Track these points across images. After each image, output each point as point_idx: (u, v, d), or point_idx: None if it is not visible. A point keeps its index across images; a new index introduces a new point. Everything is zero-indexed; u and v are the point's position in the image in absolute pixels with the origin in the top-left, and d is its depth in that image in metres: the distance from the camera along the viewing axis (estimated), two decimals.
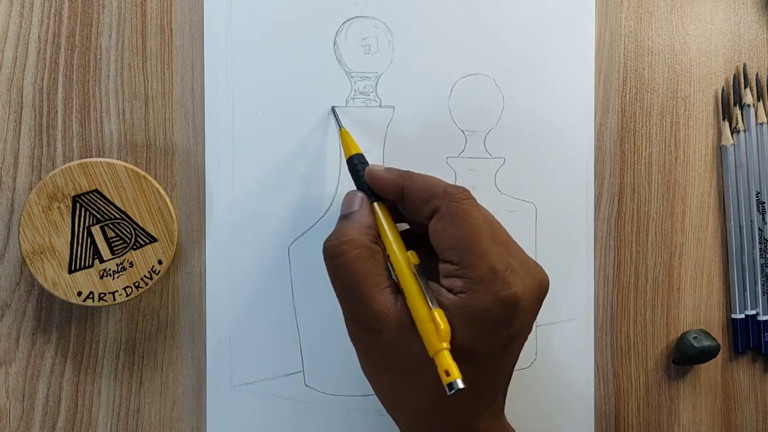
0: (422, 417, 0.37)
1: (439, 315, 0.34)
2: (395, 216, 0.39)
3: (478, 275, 0.34)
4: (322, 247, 0.37)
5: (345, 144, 0.41)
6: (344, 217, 0.38)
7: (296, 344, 0.43)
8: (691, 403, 0.49)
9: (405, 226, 0.41)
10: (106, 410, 0.42)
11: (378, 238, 0.37)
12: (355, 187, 0.40)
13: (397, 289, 0.36)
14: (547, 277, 0.37)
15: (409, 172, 0.38)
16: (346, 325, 0.38)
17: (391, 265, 0.37)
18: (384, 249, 0.37)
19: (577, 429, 0.46)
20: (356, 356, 0.38)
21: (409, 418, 0.37)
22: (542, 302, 0.37)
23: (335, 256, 0.36)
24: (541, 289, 0.37)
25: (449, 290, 0.35)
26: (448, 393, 0.32)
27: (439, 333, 0.33)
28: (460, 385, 0.32)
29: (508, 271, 0.35)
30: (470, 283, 0.34)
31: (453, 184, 0.37)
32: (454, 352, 0.33)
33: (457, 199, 0.36)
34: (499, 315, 0.34)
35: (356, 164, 0.40)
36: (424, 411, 0.36)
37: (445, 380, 0.33)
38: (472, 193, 0.37)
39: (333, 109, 0.43)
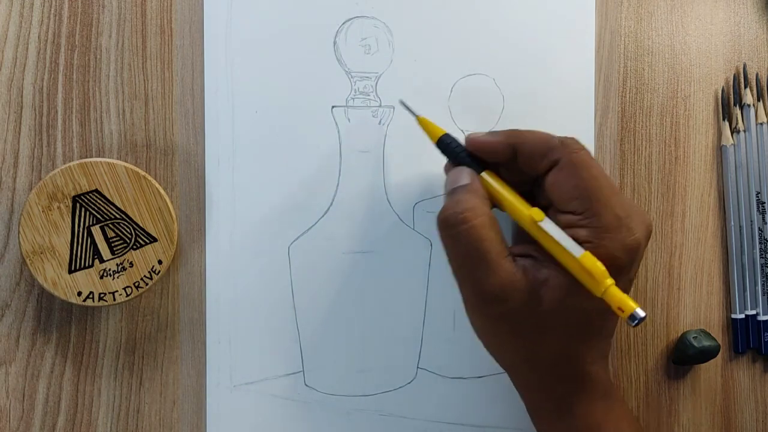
0: (549, 371, 0.38)
1: (590, 256, 0.35)
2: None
3: (604, 224, 0.35)
4: (437, 219, 0.37)
5: (427, 129, 0.40)
6: (456, 190, 0.38)
7: (296, 344, 0.43)
8: (691, 403, 0.49)
9: None
10: (106, 410, 0.42)
11: (492, 208, 0.38)
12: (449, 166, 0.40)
13: (516, 256, 0.37)
14: (651, 221, 0.38)
15: (515, 129, 0.39)
16: (469, 301, 0.37)
17: (521, 227, 0.37)
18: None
19: None
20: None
21: (535, 374, 0.38)
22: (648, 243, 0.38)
23: (458, 223, 0.36)
24: (649, 232, 0.38)
25: (575, 241, 0.36)
26: (632, 325, 0.34)
27: (597, 273, 0.34)
28: (641, 313, 0.34)
29: (629, 218, 0.36)
30: (596, 232, 0.35)
31: (564, 136, 0.38)
32: None
33: (576, 150, 0.37)
34: (624, 261, 0.36)
35: (449, 143, 0.40)
36: (551, 365, 0.37)
37: (623, 315, 0.34)
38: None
39: (402, 102, 0.42)
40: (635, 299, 0.47)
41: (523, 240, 0.38)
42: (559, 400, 0.38)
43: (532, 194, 0.39)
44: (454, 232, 0.36)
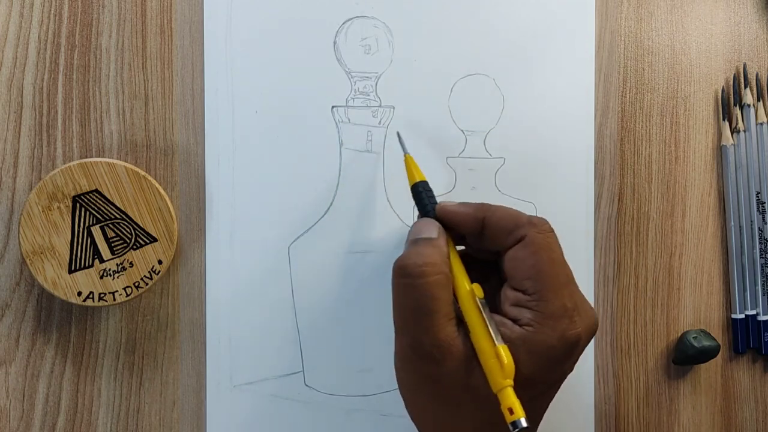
0: None
1: (504, 351, 0.34)
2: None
3: (550, 311, 0.35)
4: (394, 265, 0.36)
5: (409, 170, 0.41)
6: (419, 241, 0.37)
7: (296, 344, 0.43)
8: (691, 403, 0.49)
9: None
10: (106, 410, 0.42)
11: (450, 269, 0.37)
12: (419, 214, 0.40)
13: (460, 321, 0.36)
14: (598, 320, 0.38)
15: (484, 204, 0.38)
16: (401, 353, 0.37)
17: (456, 297, 0.36)
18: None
19: (577, 429, 0.46)
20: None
21: None
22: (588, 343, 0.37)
23: (416, 276, 0.35)
24: (593, 331, 0.37)
25: (515, 321, 0.35)
26: (512, 431, 0.33)
27: (503, 369, 0.34)
28: (524, 423, 0.33)
29: (575, 311, 0.35)
30: (540, 317, 0.35)
31: (533, 215, 0.38)
32: (517, 383, 0.34)
33: (542, 231, 0.36)
34: (561, 353, 0.35)
35: (421, 192, 0.40)
36: None
37: (509, 418, 0.33)
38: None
39: (398, 134, 0.43)
40: (635, 300, 0.48)
41: None
42: None
43: (494, 265, 0.39)
44: (409, 282, 0.36)
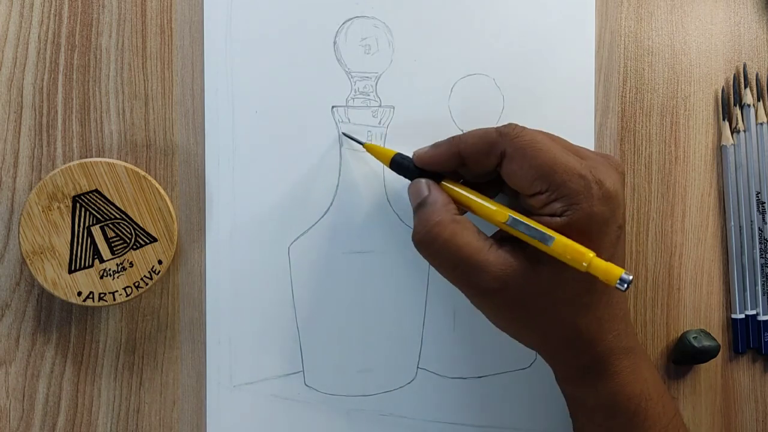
0: (567, 345, 0.38)
1: (561, 241, 0.35)
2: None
3: (572, 189, 0.36)
4: (412, 241, 0.38)
5: (377, 153, 0.41)
6: (419, 206, 0.38)
7: (296, 344, 0.43)
8: (691, 403, 0.49)
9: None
10: (106, 410, 0.42)
11: (459, 210, 0.38)
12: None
13: (499, 241, 0.37)
14: (620, 161, 0.39)
15: (454, 136, 0.39)
16: (480, 303, 0.38)
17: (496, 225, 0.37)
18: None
19: None
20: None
21: (554, 350, 0.39)
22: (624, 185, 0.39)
23: (431, 242, 0.37)
24: (621, 175, 0.38)
25: (552, 215, 0.36)
26: (622, 290, 0.34)
27: (575, 252, 0.35)
28: (629, 277, 0.34)
29: (594, 172, 0.36)
30: (569, 199, 0.36)
31: (501, 125, 0.38)
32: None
33: (516, 135, 0.37)
34: (606, 213, 0.36)
35: (400, 162, 0.40)
36: (566, 339, 0.38)
37: (612, 281, 0.34)
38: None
39: (345, 134, 0.43)
40: (635, 300, 0.48)
41: None
42: (583, 370, 0.38)
43: (498, 188, 0.40)
44: (432, 251, 0.37)
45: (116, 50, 0.41)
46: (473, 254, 0.36)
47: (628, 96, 0.47)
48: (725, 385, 0.49)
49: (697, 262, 0.48)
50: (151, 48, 0.42)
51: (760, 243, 0.48)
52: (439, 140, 0.40)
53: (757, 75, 0.49)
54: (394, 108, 0.44)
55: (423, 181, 0.39)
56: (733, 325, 0.49)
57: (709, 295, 0.49)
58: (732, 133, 0.49)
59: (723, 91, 0.48)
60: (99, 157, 0.41)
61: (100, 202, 0.39)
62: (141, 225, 0.39)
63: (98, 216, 0.39)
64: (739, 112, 0.49)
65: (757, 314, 0.49)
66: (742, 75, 0.49)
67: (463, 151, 0.38)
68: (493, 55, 0.45)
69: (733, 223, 0.48)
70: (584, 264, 0.35)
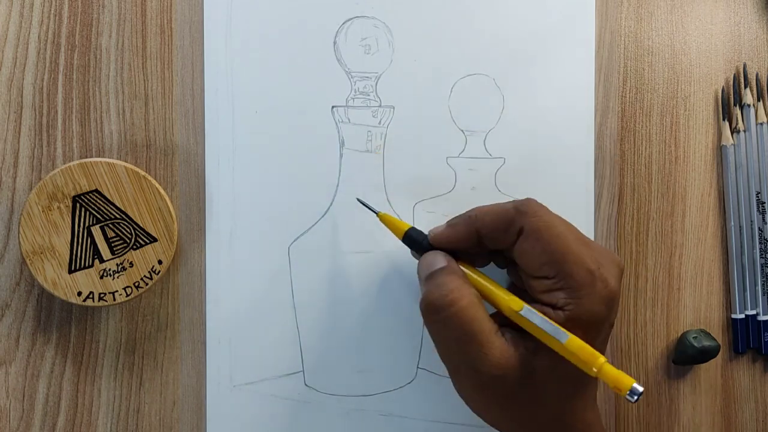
0: (547, 429, 0.37)
1: (575, 341, 0.35)
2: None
3: (578, 282, 0.35)
4: (420, 305, 0.37)
5: (391, 226, 0.41)
6: (434, 274, 0.37)
7: (296, 344, 0.43)
8: (691, 403, 0.49)
9: None
10: (106, 410, 0.42)
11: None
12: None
13: (504, 326, 0.36)
14: (620, 259, 0.38)
15: (469, 215, 0.38)
16: (465, 387, 0.37)
17: (502, 312, 0.37)
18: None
19: None
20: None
21: None
22: None
23: (446, 306, 0.35)
24: (621, 272, 0.38)
25: (554, 306, 0.36)
26: (632, 401, 0.34)
27: (588, 354, 0.34)
28: (640, 388, 0.34)
29: (601, 269, 0.36)
30: (572, 292, 0.35)
31: (518, 200, 0.38)
32: None
33: (534, 215, 0.36)
34: (604, 312, 0.36)
35: (414, 237, 0.40)
36: (548, 424, 0.37)
37: (624, 391, 0.34)
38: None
39: (359, 200, 0.42)
40: (635, 300, 0.48)
41: None
42: None
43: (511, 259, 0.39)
44: (443, 317, 0.36)
45: (116, 50, 0.41)
46: (483, 332, 0.35)
47: (628, 96, 0.47)
48: (725, 385, 0.49)
49: (697, 262, 0.48)
50: (151, 48, 0.42)
51: (760, 243, 0.48)
52: (454, 218, 0.39)
53: (757, 75, 0.49)
54: (394, 108, 0.44)
55: (440, 253, 0.38)
56: (733, 325, 0.49)
57: (709, 295, 0.49)
58: (732, 133, 0.49)
59: (723, 91, 0.48)
60: (99, 157, 0.41)
61: (100, 202, 0.39)
62: (141, 225, 0.39)
63: (98, 216, 0.39)
64: (739, 112, 0.49)
65: (757, 314, 0.49)
66: (742, 75, 0.49)
67: (481, 230, 0.38)
68: (493, 55, 0.45)
69: (733, 223, 0.48)
70: (594, 369, 0.34)
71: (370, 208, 0.42)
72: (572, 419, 0.37)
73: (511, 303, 0.36)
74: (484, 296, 0.38)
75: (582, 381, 0.37)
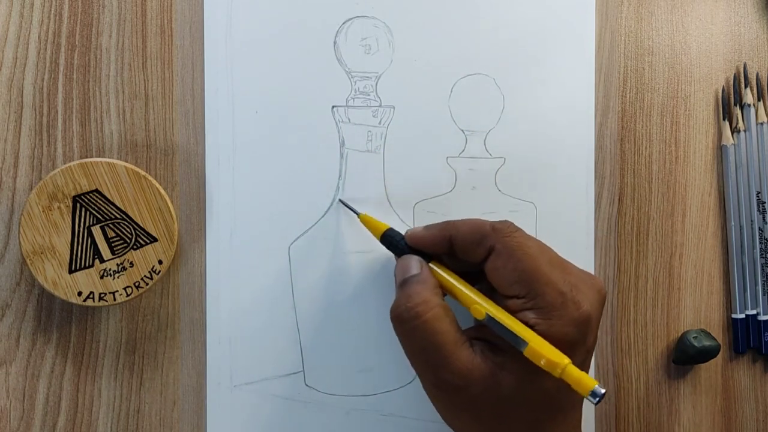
0: None
1: (539, 342, 0.34)
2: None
3: (549, 302, 0.35)
4: (390, 314, 0.37)
5: (371, 226, 0.41)
6: (406, 282, 0.38)
7: (296, 344, 0.43)
8: (691, 403, 0.49)
9: None
10: (106, 410, 0.42)
11: (443, 296, 0.38)
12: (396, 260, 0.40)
13: (472, 339, 0.36)
14: (603, 284, 0.38)
15: (448, 221, 0.39)
16: (430, 391, 0.37)
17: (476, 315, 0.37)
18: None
19: None
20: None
21: None
22: (603, 308, 0.38)
23: (411, 318, 0.36)
24: (602, 298, 0.37)
25: (525, 325, 0.35)
26: (594, 403, 0.33)
27: (552, 354, 0.34)
28: (602, 390, 0.33)
29: (574, 291, 0.36)
30: (542, 313, 0.35)
31: (497, 220, 0.38)
32: None
33: (508, 234, 0.37)
34: (576, 336, 0.35)
35: (391, 237, 0.40)
36: None
37: (584, 391, 0.34)
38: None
39: (342, 201, 0.43)
40: (635, 300, 0.48)
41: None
42: None
43: (481, 278, 0.39)
44: (408, 328, 0.36)
45: (116, 50, 0.41)
46: (447, 344, 0.35)
47: (628, 96, 0.47)
48: (725, 385, 0.49)
49: (697, 262, 0.48)
50: (151, 48, 0.42)
51: (760, 243, 0.48)
52: (433, 223, 0.40)
53: (757, 75, 0.49)
54: (394, 108, 0.44)
55: (415, 258, 0.39)
56: (733, 325, 0.49)
57: (709, 295, 0.49)
58: (732, 133, 0.49)
59: (723, 90, 0.48)
60: (99, 157, 0.41)
61: (101, 202, 0.39)
62: (141, 225, 0.39)
63: (98, 216, 0.39)
64: (739, 111, 0.49)
65: (758, 314, 0.49)
66: (742, 75, 0.49)
67: (454, 238, 0.38)
68: (493, 55, 0.45)
69: (733, 223, 0.48)
70: (558, 370, 0.34)
71: (352, 210, 0.42)
72: None
73: (475, 311, 0.36)
74: (456, 299, 0.38)
75: (559, 406, 0.37)
